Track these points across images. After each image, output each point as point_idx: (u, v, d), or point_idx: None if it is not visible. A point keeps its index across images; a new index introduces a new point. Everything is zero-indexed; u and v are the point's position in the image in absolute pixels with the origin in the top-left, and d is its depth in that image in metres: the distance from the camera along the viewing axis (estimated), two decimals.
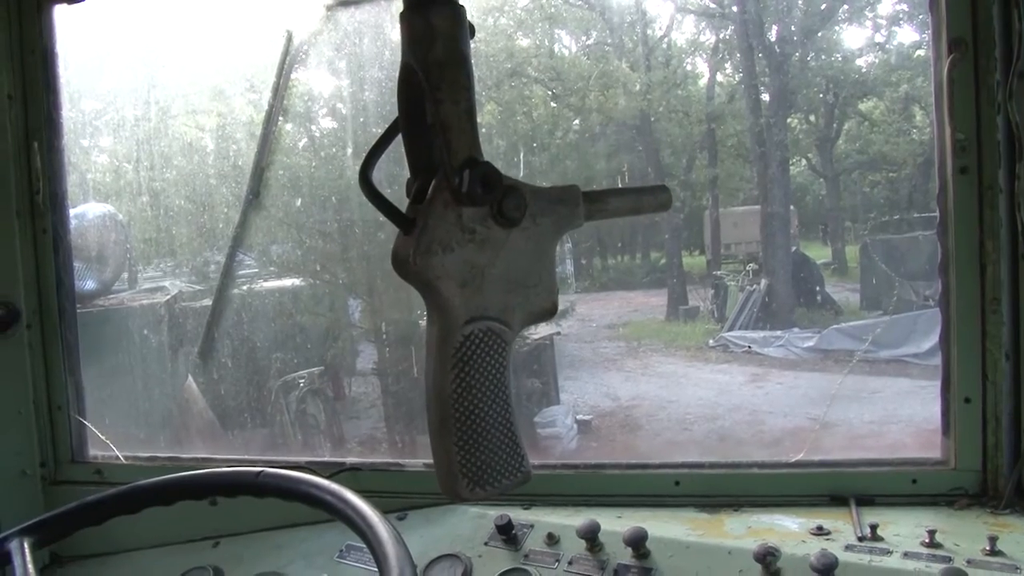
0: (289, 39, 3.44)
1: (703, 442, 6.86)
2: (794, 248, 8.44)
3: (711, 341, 8.38)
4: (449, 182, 1.18)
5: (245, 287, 4.54)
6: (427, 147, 1.22)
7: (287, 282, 5.20)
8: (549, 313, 1.29)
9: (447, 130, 1.17)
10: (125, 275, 4.57)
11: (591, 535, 2.06)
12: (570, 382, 8.23)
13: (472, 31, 1.20)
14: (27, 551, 1.59)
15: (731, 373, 7.85)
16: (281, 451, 5.34)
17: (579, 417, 7.32)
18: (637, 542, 2.00)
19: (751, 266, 8.60)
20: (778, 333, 7.81)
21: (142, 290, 4.62)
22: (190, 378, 4.47)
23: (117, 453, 2.66)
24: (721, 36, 8.71)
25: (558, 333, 8.29)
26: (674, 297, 9.20)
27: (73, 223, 2.94)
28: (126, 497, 1.74)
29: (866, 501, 2.10)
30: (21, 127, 2.61)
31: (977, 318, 1.99)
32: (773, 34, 8.04)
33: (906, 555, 1.85)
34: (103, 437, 2.68)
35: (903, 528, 1.95)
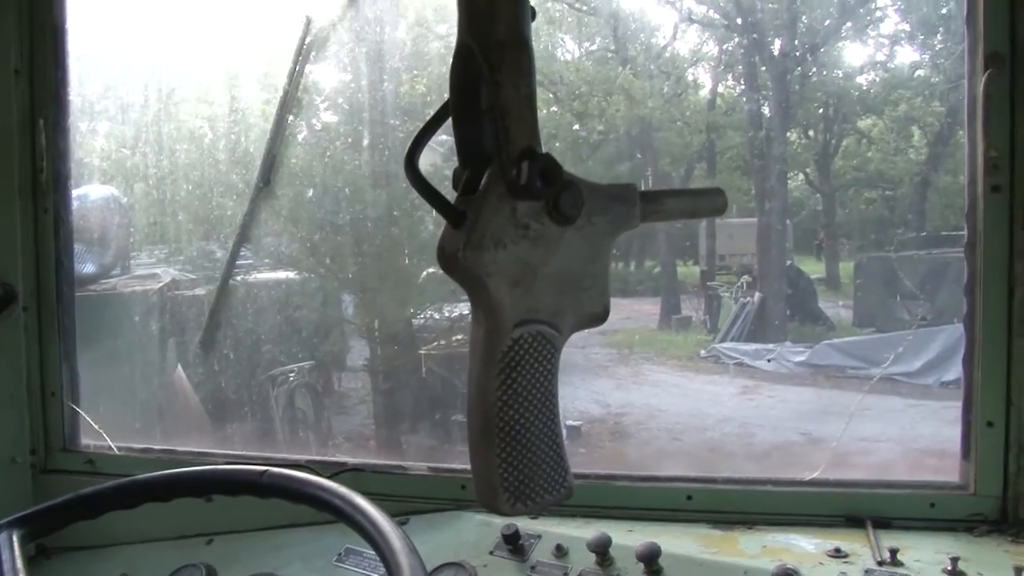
0: (308, 24, 3.39)
1: (692, 452, 6.83)
2: (789, 262, 8.41)
3: (703, 352, 8.35)
4: (505, 173, 1.10)
5: (239, 278, 4.49)
6: (479, 134, 1.14)
7: (280, 275, 5.12)
8: (600, 318, 1.25)
9: (505, 116, 1.08)
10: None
11: (602, 548, 2.00)
12: (560, 387, 8.15)
13: (533, 14, 1.10)
14: (16, 544, 1.52)
15: (722, 384, 7.82)
16: (268, 446, 5.25)
17: (568, 423, 7.27)
18: (650, 558, 1.94)
19: (745, 278, 8.57)
20: (770, 346, 7.79)
21: (134, 276, 4.56)
22: (179, 368, 4.41)
23: (110, 443, 2.61)
24: (725, 48, 8.66)
25: None
26: (667, 306, 9.15)
27: (74, 204, 2.89)
28: (123, 491, 1.67)
29: (883, 524, 2.06)
30: (27, 103, 2.53)
31: (1003, 341, 1.96)
32: (776, 47, 8.01)
33: None
34: (96, 426, 2.63)
35: (923, 554, 1.90)
